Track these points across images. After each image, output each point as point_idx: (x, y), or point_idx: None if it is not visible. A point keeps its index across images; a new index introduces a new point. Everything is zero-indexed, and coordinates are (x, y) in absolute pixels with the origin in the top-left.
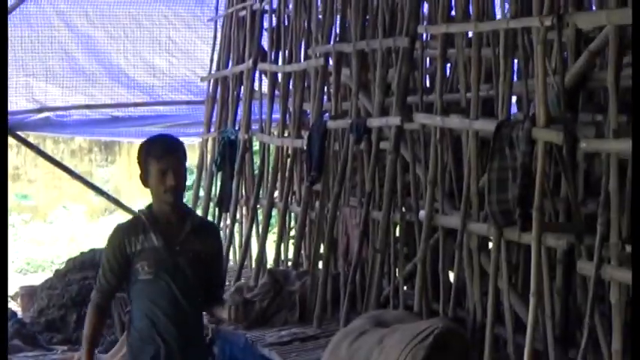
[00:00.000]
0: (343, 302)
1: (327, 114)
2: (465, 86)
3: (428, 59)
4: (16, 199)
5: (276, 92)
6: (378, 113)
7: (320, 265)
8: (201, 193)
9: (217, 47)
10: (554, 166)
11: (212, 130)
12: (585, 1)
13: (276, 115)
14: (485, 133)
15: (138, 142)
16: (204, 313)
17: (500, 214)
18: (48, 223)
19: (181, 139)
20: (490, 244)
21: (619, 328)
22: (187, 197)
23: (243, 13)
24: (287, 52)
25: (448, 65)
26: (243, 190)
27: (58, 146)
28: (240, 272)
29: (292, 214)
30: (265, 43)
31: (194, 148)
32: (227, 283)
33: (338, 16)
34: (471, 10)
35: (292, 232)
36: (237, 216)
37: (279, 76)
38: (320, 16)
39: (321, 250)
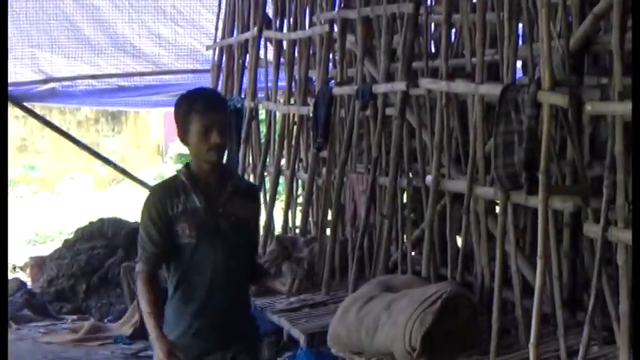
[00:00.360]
0: (351, 268)
1: (332, 81)
2: (470, 51)
3: (433, 25)
4: (23, 171)
5: (282, 60)
6: (384, 79)
7: (328, 231)
8: None
9: (222, 15)
10: (559, 129)
11: None
12: None
13: (282, 83)
14: (491, 97)
15: (144, 111)
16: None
17: (507, 177)
18: (56, 194)
19: None
20: (497, 208)
21: (626, 290)
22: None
23: None
24: (292, 19)
25: (453, 30)
26: (250, 158)
27: (64, 117)
28: None
29: (299, 182)
30: (270, 10)
31: None
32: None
33: None
34: None
35: (300, 200)
36: None
37: (285, 43)
38: None
39: (329, 217)
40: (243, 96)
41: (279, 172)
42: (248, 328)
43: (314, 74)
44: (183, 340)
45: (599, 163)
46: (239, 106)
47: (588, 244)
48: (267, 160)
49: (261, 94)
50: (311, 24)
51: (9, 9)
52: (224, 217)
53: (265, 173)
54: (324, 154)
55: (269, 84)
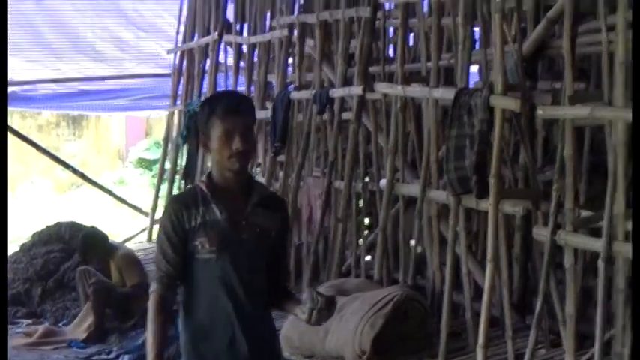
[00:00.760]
0: (306, 272)
1: (291, 85)
2: (426, 55)
3: (392, 29)
4: None
5: (242, 64)
6: (341, 83)
7: None
8: (167, 165)
9: (183, 19)
10: (513, 133)
11: (178, 102)
12: None
13: (242, 87)
14: (446, 101)
15: (105, 115)
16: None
17: (458, 181)
18: (15, 198)
19: (148, 112)
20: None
21: (573, 293)
22: (154, 170)
23: None
24: (252, 23)
25: (412, 35)
26: (209, 162)
27: (25, 121)
28: None
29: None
30: (230, 15)
31: (161, 121)
32: None
33: None
34: None
35: None
36: None
37: (244, 47)
38: None
39: None
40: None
41: None
42: (269, 345)
43: (273, 78)
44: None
45: (552, 167)
46: (198, 110)
47: (540, 247)
48: None
49: None
50: (270, 28)
51: None
52: (247, 230)
53: None
54: (282, 158)
55: (229, 88)
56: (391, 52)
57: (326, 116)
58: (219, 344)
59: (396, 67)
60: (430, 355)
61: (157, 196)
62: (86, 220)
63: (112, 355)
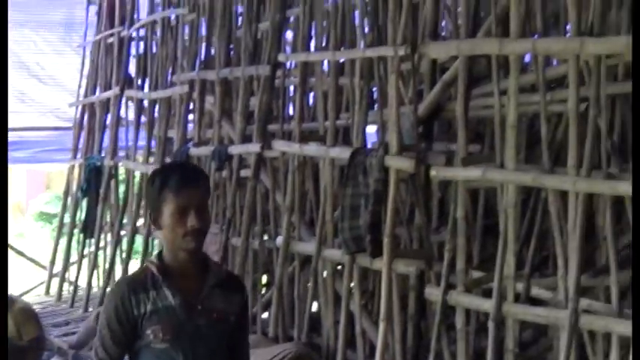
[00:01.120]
0: None
1: (191, 141)
2: (324, 114)
3: (291, 87)
4: None
5: (143, 119)
6: (240, 140)
7: None
8: (67, 219)
9: (85, 73)
10: (409, 194)
11: (79, 156)
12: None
13: (142, 142)
14: (343, 160)
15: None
16: None
17: (352, 240)
18: None
19: (48, 165)
20: None
21: (464, 353)
22: (54, 223)
23: (111, 39)
24: (153, 78)
25: (311, 94)
26: (108, 217)
27: None
28: (103, 298)
29: (156, 240)
30: (132, 69)
31: (61, 174)
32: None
33: (203, 44)
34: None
35: None
36: (102, 242)
37: (145, 102)
38: (186, 44)
39: None
40: (103, 154)
41: (135, 231)
42: None
43: (174, 134)
44: None
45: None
46: (99, 164)
47: (433, 307)
48: (125, 218)
49: (121, 153)
50: (171, 84)
51: None
52: (204, 315)
53: (122, 232)
54: None
55: (129, 143)
56: (290, 111)
57: (224, 173)
58: None
59: (294, 125)
60: None
61: (55, 250)
62: None
63: None
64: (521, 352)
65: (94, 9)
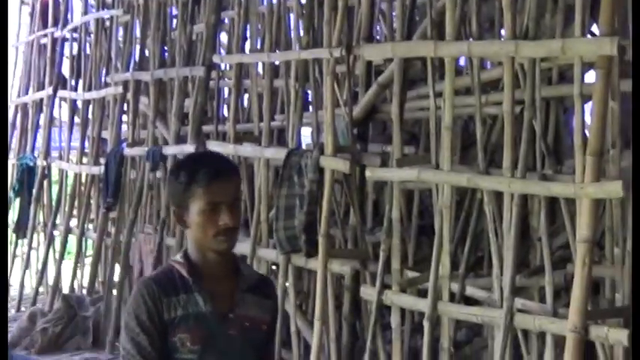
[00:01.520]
0: None
1: (125, 142)
2: (259, 115)
3: (226, 89)
4: None
5: (76, 119)
6: (174, 141)
7: (115, 291)
8: None
9: (18, 73)
10: (344, 195)
11: (11, 156)
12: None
13: (76, 143)
14: (277, 161)
15: None
16: None
17: (287, 240)
18: None
19: None
20: None
21: (398, 352)
22: None
23: (44, 40)
24: (87, 79)
25: (246, 95)
26: (41, 217)
27: None
28: (36, 298)
29: (89, 241)
30: (66, 70)
31: None
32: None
33: (137, 46)
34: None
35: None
36: (34, 242)
37: (79, 103)
38: (120, 45)
39: (116, 276)
40: (36, 154)
41: (68, 230)
42: None
43: (107, 135)
44: None
45: (382, 228)
46: (31, 164)
47: (368, 307)
48: (58, 219)
49: (54, 153)
50: (105, 85)
51: None
52: (235, 324)
53: (55, 232)
54: (114, 213)
55: (62, 143)
56: (225, 112)
57: (159, 173)
58: None
59: (229, 126)
60: None
61: None
62: None
63: None
64: (456, 352)
65: (26, 9)
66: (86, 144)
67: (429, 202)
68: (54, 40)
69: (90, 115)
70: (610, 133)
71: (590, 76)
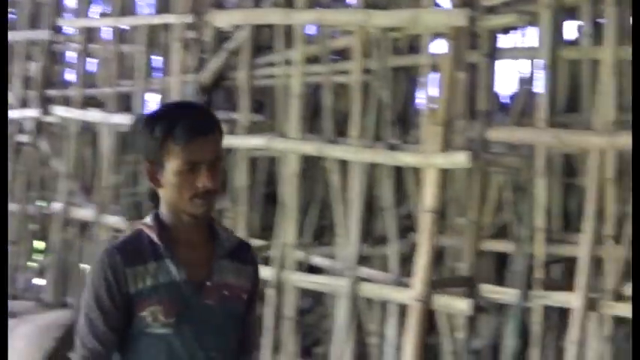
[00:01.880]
0: None
1: None
2: (106, 81)
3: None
4: None
5: None
6: (19, 105)
7: None
8: None
9: None
10: None
11: None
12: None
13: None
14: (123, 127)
15: None
16: None
17: (132, 206)
18: None
19: None
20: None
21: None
22: None
23: None
24: None
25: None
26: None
27: None
28: None
29: None
30: None
31: None
32: None
33: None
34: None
35: None
36: None
37: None
38: None
39: None
40: None
41: None
42: None
43: None
44: None
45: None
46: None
47: None
48: None
49: None
50: None
51: None
52: (213, 293)
53: None
54: None
55: None
56: (73, 77)
57: None
58: None
59: (75, 91)
60: None
61: None
62: None
63: None
64: (299, 320)
65: None
66: None
67: (274, 170)
68: None
69: None
70: (457, 104)
71: (437, 47)
